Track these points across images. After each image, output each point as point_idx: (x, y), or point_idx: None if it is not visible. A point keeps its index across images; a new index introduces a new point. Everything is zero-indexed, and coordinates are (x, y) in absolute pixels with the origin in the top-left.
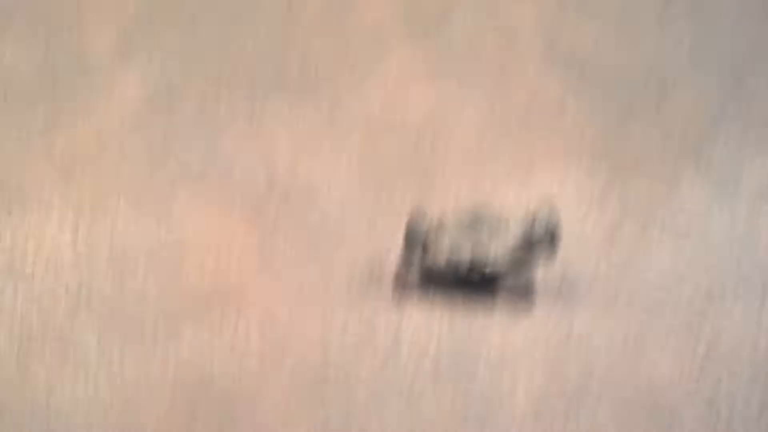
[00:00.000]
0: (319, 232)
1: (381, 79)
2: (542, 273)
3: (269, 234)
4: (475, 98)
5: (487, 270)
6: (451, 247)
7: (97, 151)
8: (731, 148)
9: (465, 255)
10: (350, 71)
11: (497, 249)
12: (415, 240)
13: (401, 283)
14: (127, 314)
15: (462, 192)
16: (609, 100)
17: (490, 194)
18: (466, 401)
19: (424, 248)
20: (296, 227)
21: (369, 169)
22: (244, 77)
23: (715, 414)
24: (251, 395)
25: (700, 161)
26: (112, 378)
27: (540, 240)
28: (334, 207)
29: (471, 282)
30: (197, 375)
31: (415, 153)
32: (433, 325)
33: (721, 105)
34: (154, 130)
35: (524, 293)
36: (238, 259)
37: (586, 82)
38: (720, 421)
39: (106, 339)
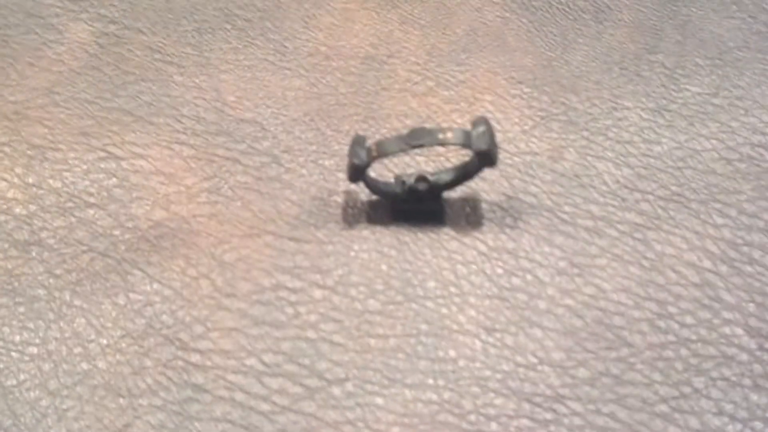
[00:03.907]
0: (268, 167)
1: (326, 14)
2: (488, 193)
3: (218, 171)
4: (418, 29)
5: (432, 178)
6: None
7: (48, 95)
8: (669, 70)
9: (409, 169)
10: (297, 7)
11: (439, 159)
12: (359, 155)
13: (349, 211)
14: (77, 253)
15: (406, 122)
16: (548, 28)
17: (434, 123)
18: (417, 318)
19: (368, 161)
20: (244, 164)
21: (315, 104)
22: (192, 16)
23: (662, 335)
24: (203, 325)
25: (639, 83)
26: (62, 329)
27: (478, 148)
28: (281, 142)
29: (417, 195)
30: (145, 321)
31: (360, 86)
32: (383, 248)
33: (659, 29)
34: (104, 73)
35: (470, 209)
36: (186, 196)
37: (526, 10)
38: (666, 342)
39: (55, 281)
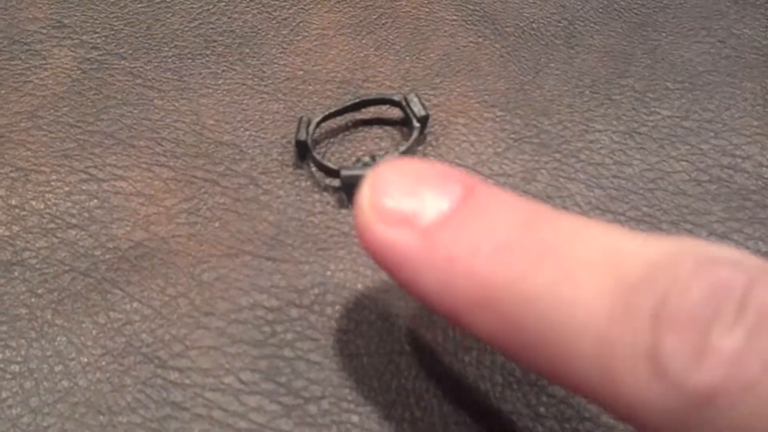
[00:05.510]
0: (246, 188)
1: (303, 40)
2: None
3: (197, 192)
4: (393, 54)
5: (378, 156)
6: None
7: (32, 119)
8: (640, 93)
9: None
10: (275, 33)
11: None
12: (301, 132)
13: (326, 231)
14: (59, 273)
15: (382, 144)
16: (521, 53)
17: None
18: (392, 337)
19: (312, 137)
20: (223, 185)
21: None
22: (172, 42)
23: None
24: (181, 343)
25: (610, 106)
26: (43, 347)
27: (412, 122)
28: (259, 164)
29: (363, 164)
30: (125, 340)
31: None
32: (359, 268)
33: (629, 53)
34: (86, 98)
35: None
36: (166, 217)
37: (499, 36)
38: None
39: (37, 300)
